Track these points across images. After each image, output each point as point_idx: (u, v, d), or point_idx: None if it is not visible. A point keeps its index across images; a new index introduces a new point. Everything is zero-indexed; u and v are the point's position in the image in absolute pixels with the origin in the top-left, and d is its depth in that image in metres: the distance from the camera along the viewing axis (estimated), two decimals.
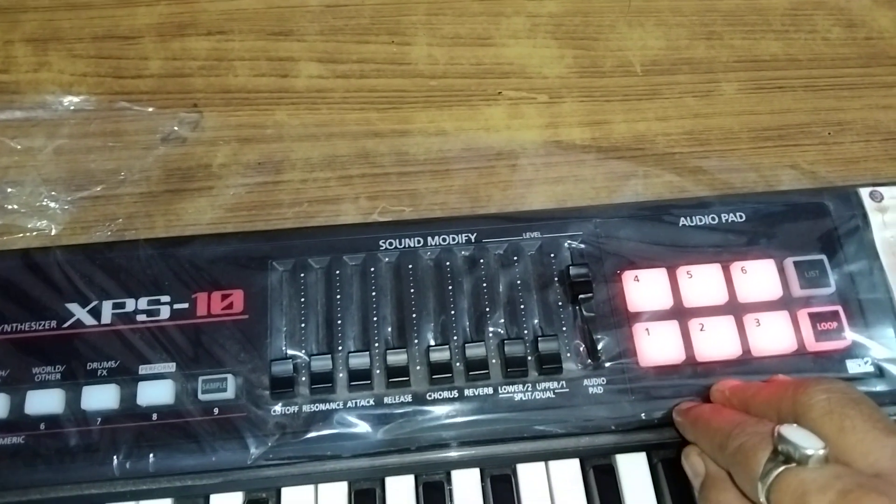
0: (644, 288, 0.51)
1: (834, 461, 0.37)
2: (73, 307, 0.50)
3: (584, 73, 0.64)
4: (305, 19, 0.65)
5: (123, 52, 0.64)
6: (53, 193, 0.58)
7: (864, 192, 0.54)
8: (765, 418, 0.42)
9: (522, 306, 0.51)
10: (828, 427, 0.39)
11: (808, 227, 0.53)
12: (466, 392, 0.49)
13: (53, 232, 0.57)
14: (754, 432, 0.40)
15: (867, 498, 0.35)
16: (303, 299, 0.51)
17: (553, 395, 0.49)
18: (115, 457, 0.47)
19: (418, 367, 0.49)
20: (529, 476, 0.49)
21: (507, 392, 0.49)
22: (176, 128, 0.61)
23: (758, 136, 0.62)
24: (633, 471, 0.49)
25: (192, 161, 0.60)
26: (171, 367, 0.49)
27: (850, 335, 0.50)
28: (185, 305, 0.50)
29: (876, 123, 0.62)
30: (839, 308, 0.50)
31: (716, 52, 0.65)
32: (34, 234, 0.56)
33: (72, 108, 0.61)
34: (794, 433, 0.38)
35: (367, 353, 0.49)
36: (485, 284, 0.51)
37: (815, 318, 0.50)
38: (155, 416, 0.48)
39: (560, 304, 0.51)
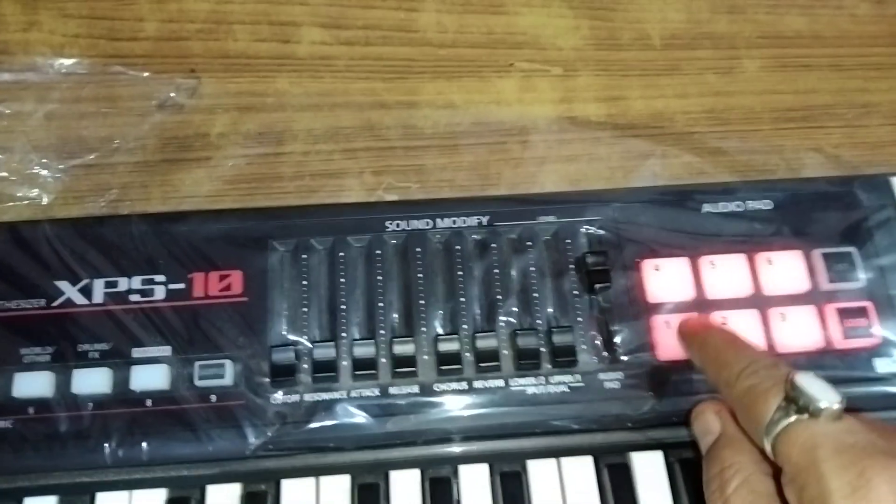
0: (665, 278, 0.49)
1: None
2: (63, 285, 0.48)
3: (600, 45, 0.62)
4: None
5: (118, 12, 0.61)
6: (45, 161, 0.56)
7: None
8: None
9: (536, 295, 0.49)
10: None
11: (837, 217, 0.51)
12: (476, 384, 0.47)
13: (45, 201, 0.55)
14: (767, 375, 0.39)
15: (884, 460, 0.33)
16: (305, 282, 0.49)
17: (567, 389, 0.47)
18: (107, 444, 0.45)
19: (426, 357, 0.48)
20: (540, 473, 0.47)
21: (519, 385, 0.47)
22: (172, 94, 0.58)
23: (780, 117, 0.60)
24: (649, 470, 0.47)
25: (189, 130, 0.58)
26: (166, 350, 0.47)
27: (879, 332, 0.48)
28: (181, 286, 0.48)
29: None
30: (869, 304, 0.48)
31: (738, 27, 0.63)
32: (25, 203, 0.54)
33: (63, 71, 0.59)
34: (809, 383, 0.36)
35: (373, 340, 0.47)
36: (497, 271, 0.50)
37: (844, 314, 0.48)
38: (149, 402, 0.46)
39: (576, 293, 0.49)
